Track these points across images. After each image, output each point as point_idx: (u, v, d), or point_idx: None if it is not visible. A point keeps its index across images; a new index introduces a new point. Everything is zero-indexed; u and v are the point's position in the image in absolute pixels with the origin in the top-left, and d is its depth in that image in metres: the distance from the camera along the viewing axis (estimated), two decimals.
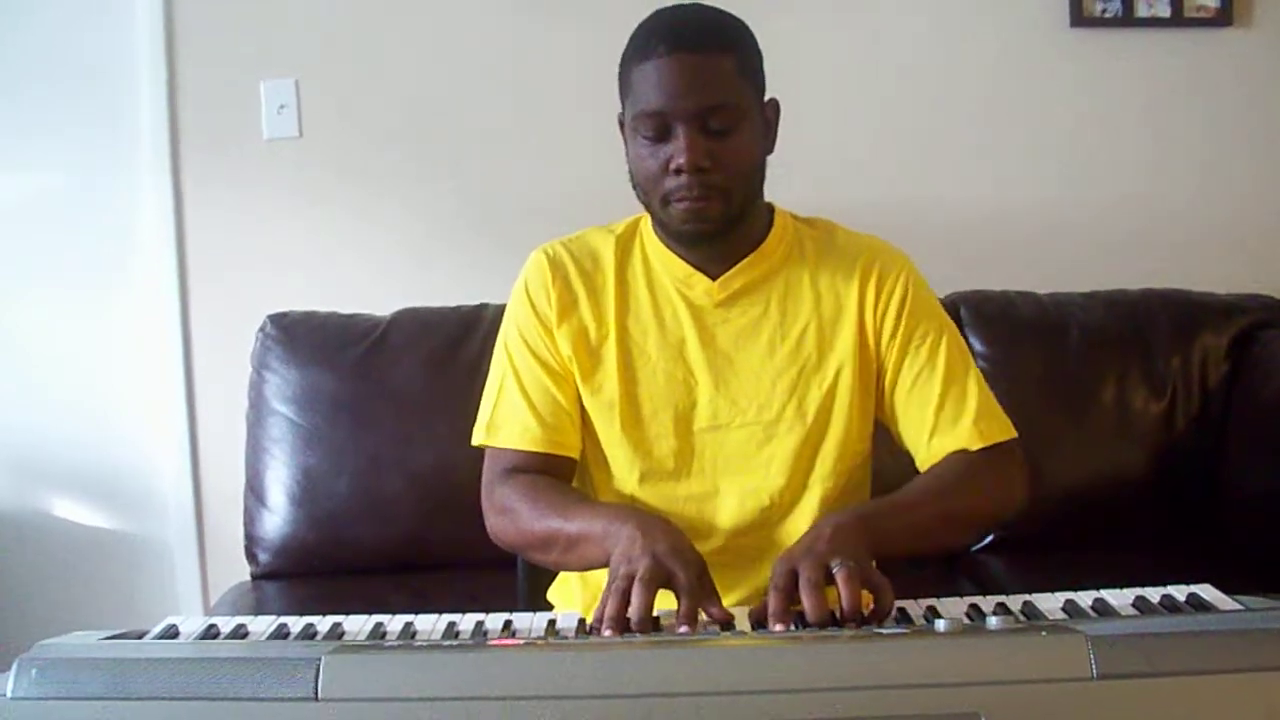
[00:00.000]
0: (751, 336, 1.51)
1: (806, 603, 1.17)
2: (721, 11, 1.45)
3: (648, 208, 1.49)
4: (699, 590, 1.23)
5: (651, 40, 1.39)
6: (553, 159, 2.75)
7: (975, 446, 1.47)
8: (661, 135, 1.40)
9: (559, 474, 1.53)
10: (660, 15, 1.45)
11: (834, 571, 1.21)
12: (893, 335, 1.51)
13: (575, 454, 1.54)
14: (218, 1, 2.70)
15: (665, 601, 1.23)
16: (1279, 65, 2.83)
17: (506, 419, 1.53)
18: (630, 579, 1.21)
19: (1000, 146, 2.82)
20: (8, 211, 2.77)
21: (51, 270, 2.77)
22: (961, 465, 1.47)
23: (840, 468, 1.52)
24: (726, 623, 1.21)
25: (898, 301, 1.51)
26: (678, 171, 1.39)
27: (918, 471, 1.52)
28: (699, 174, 1.38)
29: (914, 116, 2.81)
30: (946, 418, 1.49)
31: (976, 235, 2.81)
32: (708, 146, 1.38)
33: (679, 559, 1.25)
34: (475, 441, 1.56)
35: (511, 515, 1.49)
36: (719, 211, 1.42)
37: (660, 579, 1.22)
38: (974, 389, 1.51)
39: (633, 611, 1.18)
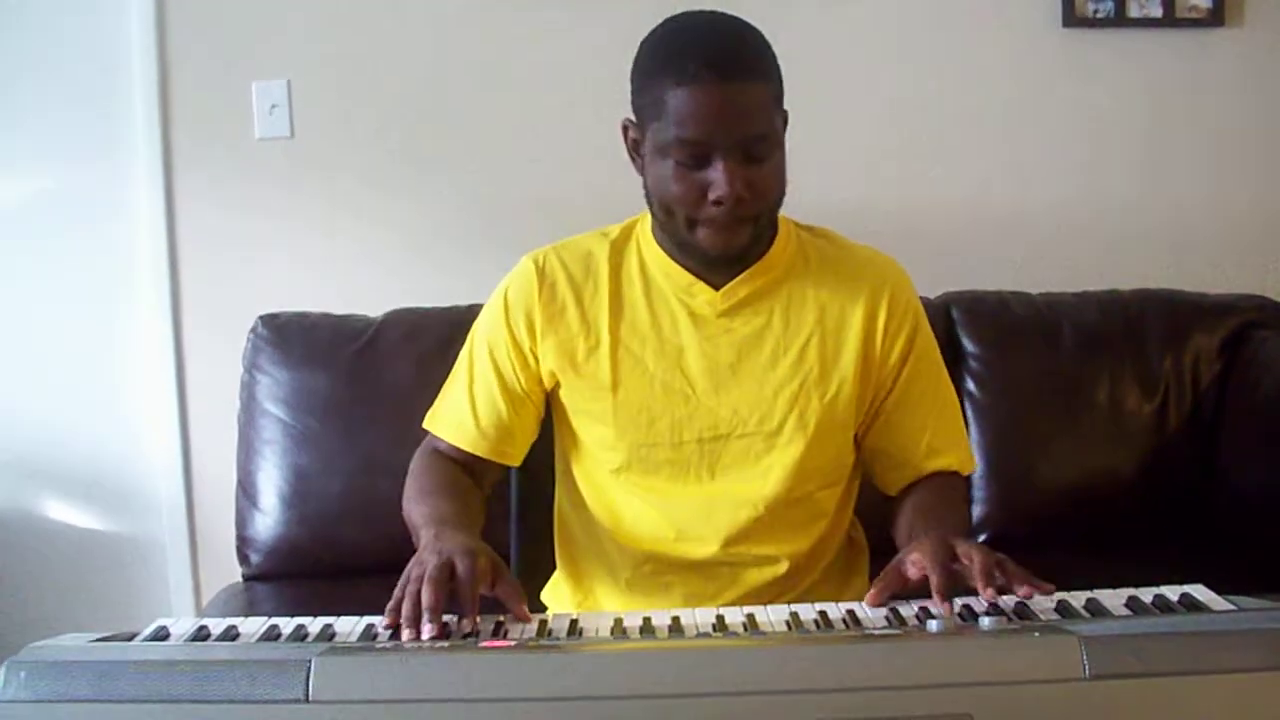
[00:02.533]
0: (754, 346, 1.50)
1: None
2: (749, 29, 1.41)
3: (665, 227, 1.46)
4: (475, 581, 1.23)
5: (687, 63, 1.34)
6: (545, 159, 2.75)
7: (966, 471, 1.57)
8: (699, 163, 1.36)
9: (486, 474, 1.57)
10: (689, 32, 1.40)
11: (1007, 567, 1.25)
12: (900, 363, 1.53)
13: (511, 462, 1.57)
14: (210, 2, 2.69)
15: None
16: (1271, 65, 2.83)
17: (448, 412, 1.58)
18: (419, 580, 1.22)
19: (992, 147, 2.82)
20: None
21: (43, 271, 2.76)
22: (953, 484, 1.57)
23: (837, 479, 1.54)
24: (525, 621, 1.24)
25: (906, 336, 1.53)
26: (717, 203, 1.36)
27: (881, 482, 1.58)
28: (736, 204, 1.37)
29: (905, 117, 2.80)
30: (946, 441, 1.55)
31: (969, 235, 2.81)
32: (745, 176, 1.36)
33: (462, 556, 1.25)
34: (424, 424, 1.60)
35: (404, 490, 1.53)
36: (747, 236, 1.42)
37: (445, 575, 1.23)
38: (960, 421, 1.60)
39: (424, 605, 1.18)
